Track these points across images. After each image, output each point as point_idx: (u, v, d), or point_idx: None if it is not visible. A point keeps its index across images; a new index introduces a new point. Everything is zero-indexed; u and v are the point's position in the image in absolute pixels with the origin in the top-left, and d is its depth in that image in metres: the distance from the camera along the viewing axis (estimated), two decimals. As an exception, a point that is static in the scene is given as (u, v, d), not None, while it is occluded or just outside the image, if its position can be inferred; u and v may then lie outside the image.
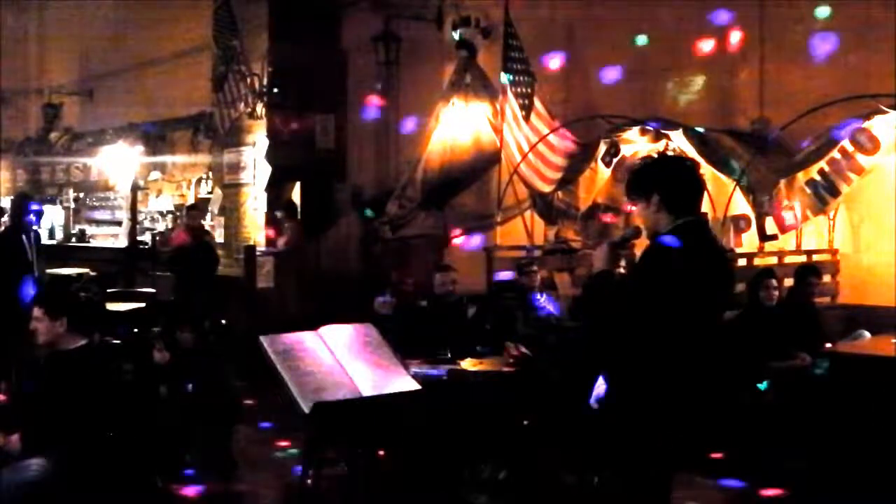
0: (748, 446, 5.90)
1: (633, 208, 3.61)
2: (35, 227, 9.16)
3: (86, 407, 4.19)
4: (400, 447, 5.46)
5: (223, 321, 7.37)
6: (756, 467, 5.81)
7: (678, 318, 3.35)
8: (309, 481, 5.25)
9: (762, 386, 6.30)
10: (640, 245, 3.61)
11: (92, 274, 11.55)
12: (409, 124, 10.67)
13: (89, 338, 4.48)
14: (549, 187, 9.05)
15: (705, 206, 7.85)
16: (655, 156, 3.91)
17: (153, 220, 14.62)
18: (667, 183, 3.49)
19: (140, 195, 14.49)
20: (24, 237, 8.68)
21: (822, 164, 7.48)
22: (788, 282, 7.18)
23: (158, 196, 14.74)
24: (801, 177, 7.61)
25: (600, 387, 3.65)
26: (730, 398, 5.44)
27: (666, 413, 3.36)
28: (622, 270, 3.66)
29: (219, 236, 11.94)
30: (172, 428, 5.54)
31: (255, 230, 11.40)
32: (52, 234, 15.96)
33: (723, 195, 7.71)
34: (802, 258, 7.76)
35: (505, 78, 9.04)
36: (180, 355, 5.98)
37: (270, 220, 11.45)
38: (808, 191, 7.57)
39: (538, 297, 7.53)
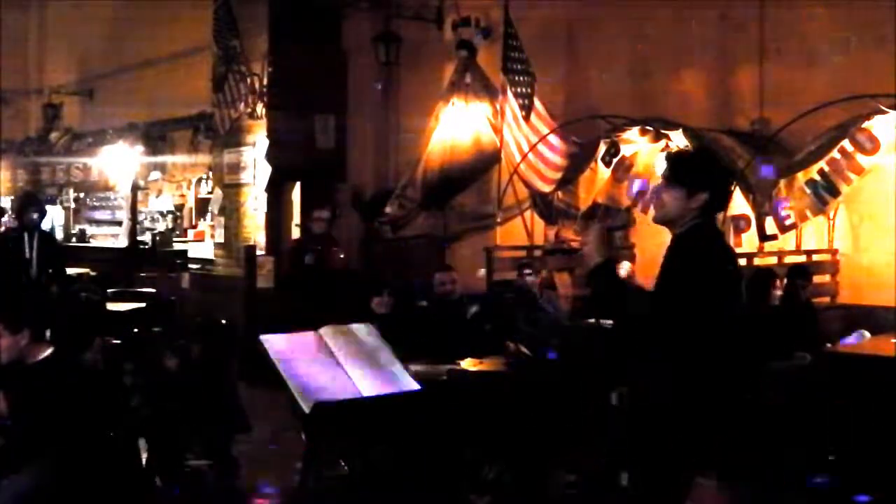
0: (748, 446, 5.89)
1: (665, 193, 3.44)
2: (42, 227, 9.15)
3: (65, 417, 4.10)
4: (400, 447, 5.46)
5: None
6: (755, 467, 5.81)
7: (712, 313, 3.32)
8: (309, 481, 5.25)
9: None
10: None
11: (92, 274, 11.55)
12: (409, 124, 10.69)
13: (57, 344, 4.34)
14: (549, 187, 9.05)
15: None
16: (709, 151, 3.91)
17: (153, 220, 14.63)
18: (720, 187, 3.48)
19: (140, 195, 14.50)
20: (25, 235, 8.68)
21: (822, 164, 7.48)
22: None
23: (158, 196, 14.75)
24: (801, 177, 7.61)
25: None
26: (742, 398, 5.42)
27: (694, 412, 3.32)
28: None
29: (219, 236, 11.95)
30: (173, 428, 5.55)
31: (255, 230, 11.40)
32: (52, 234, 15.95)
33: (723, 195, 7.70)
34: (802, 258, 7.76)
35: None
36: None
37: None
38: (808, 191, 7.57)
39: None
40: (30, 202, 9.20)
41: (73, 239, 15.59)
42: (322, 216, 8.16)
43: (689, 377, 3.32)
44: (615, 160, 8.83)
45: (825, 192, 7.53)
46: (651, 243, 3.62)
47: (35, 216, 8.83)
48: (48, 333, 4.44)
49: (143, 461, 5.13)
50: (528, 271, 7.82)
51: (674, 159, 3.64)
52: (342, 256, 8.09)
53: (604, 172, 9.02)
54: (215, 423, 5.95)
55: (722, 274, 3.39)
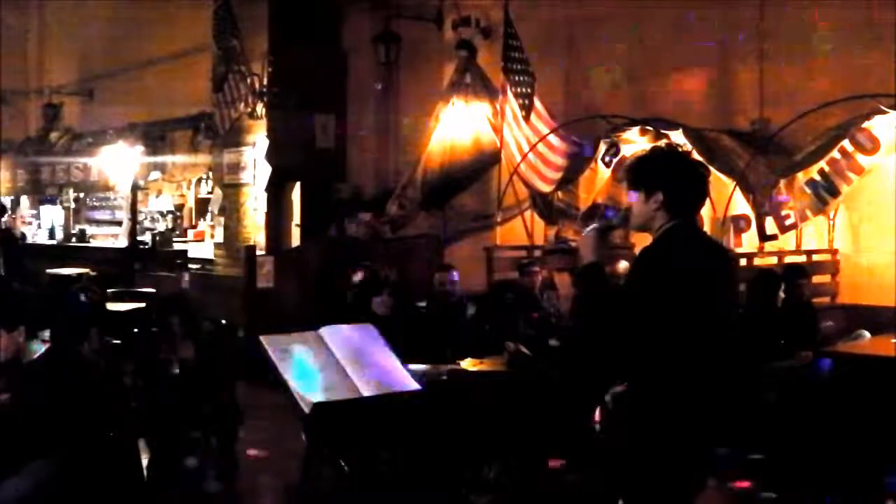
0: (749, 446, 5.89)
1: (630, 199, 3.33)
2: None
3: (63, 414, 4.08)
4: (400, 447, 5.46)
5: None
6: (756, 467, 5.81)
7: (683, 323, 3.14)
8: (309, 481, 5.25)
9: None
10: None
11: (92, 274, 11.54)
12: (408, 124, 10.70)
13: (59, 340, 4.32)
14: (549, 187, 9.05)
15: (705, 206, 7.90)
16: (664, 148, 3.59)
17: (153, 220, 14.63)
18: (674, 183, 3.24)
19: (140, 195, 14.50)
20: None
21: (822, 164, 7.48)
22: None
23: (158, 196, 14.75)
24: (801, 177, 7.61)
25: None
26: (741, 399, 5.40)
27: (683, 416, 3.13)
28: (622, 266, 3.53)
29: (219, 236, 11.95)
30: (173, 428, 5.54)
31: (255, 230, 11.41)
32: (52, 234, 15.99)
33: (723, 195, 7.71)
34: (803, 258, 7.76)
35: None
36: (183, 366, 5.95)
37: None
38: (808, 191, 7.57)
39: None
40: None
41: (73, 239, 15.59)
42: (366, 219, 7.20)
43: (662, 378, 3.15)
44: (615, 160, 8.84)
45: (825, 192, 7.52)
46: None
47: None
48: (48, 333, 4.44)
49: (143, 461, 5.13)
50: (534, 268, 7.79)
51: (630, 164, 3.50)
52: (390, 271, 6.99)
53: (604, 172, 9.02)
54: (215, 421, 5.94)
55: (693, 278, 3.16)
